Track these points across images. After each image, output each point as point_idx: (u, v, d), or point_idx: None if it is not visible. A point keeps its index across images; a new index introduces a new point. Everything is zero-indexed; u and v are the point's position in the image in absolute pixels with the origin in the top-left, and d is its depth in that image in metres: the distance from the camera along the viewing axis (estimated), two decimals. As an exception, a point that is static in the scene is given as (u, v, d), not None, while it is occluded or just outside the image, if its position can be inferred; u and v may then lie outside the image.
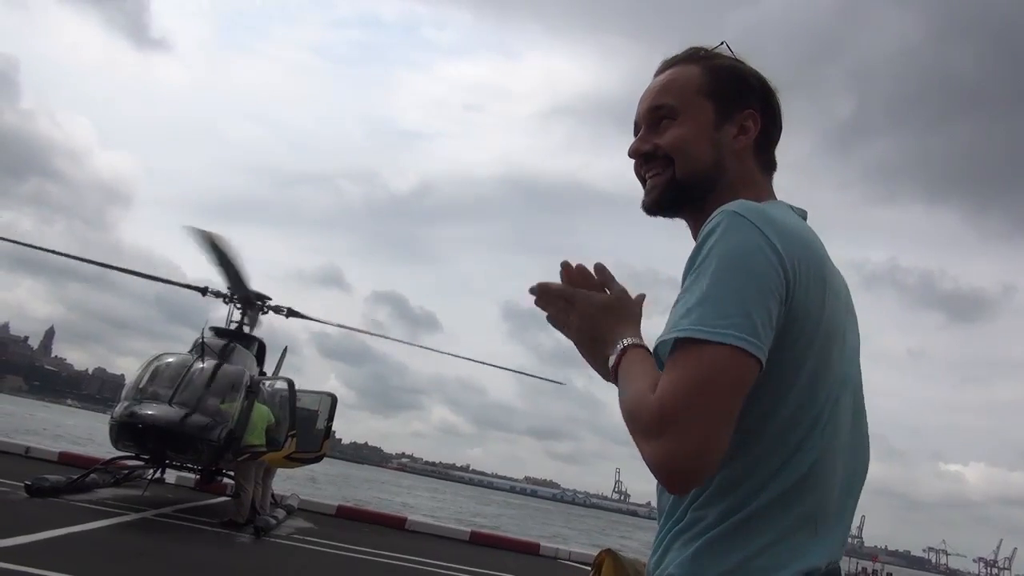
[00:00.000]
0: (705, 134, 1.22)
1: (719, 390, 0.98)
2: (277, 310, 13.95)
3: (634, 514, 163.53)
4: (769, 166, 1.28)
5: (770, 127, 1.27)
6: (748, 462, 1.08)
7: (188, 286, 13.76)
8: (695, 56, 1.27)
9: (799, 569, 1.06)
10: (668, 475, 0.99)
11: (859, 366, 1.21)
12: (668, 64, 1.30)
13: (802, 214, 1.23)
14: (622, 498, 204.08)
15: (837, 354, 1.12)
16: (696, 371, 0.98)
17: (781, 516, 1.07)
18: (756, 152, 1.25)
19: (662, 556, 1.12)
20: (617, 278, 1.28)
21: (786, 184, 1.35)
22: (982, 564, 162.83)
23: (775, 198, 1.26)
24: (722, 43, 1.28)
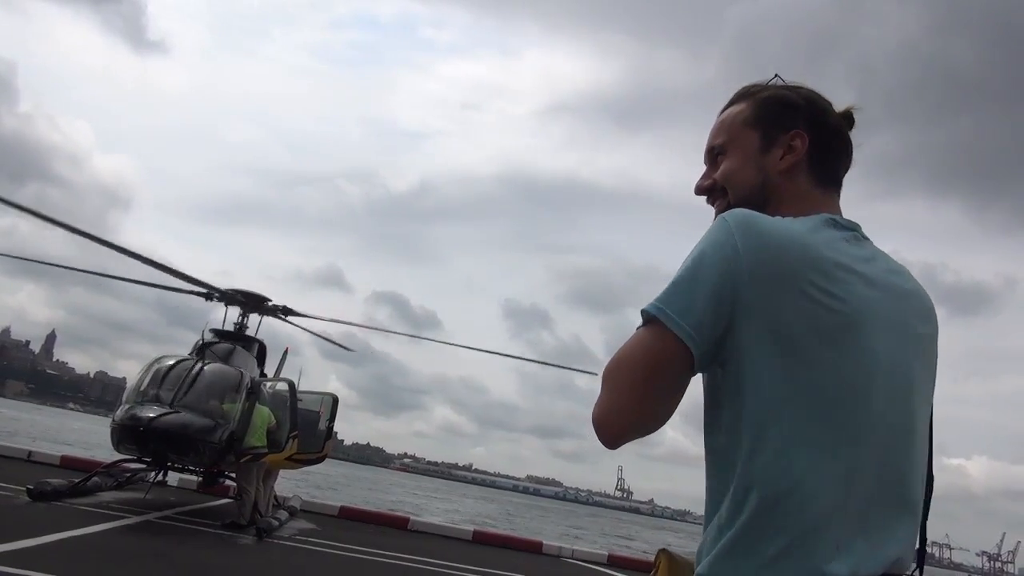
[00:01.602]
0: (751, 161, 1.34)
1: (635, 360, 1.15)
2: (276, 311, 13.93)
3: (636, 511, 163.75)
4: (826, 179, 1.34)
5: (825, 142, 1.34)
6: (732, 466, 1.14)
7: (190, 290, 13.73)
8: (746, 94, 1.40)
9: None
10: (594, 429, 1.17)
11: (897, 379, 1.19)
12: (724, 107, 1.43)
13: (848, 226, 1.27)
14: (625, 495, 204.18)
15: (822, 357, 1.12)
16: (626, 344, 1.18)
17: (779, 523, 1.09)
18: (809, 167, 1.33)
19: (699, 554, 1.18)
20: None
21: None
22: (985, 558, 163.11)
23: (832, 209, 1.31)
24: (775, 76, 1.39)
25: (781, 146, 1.33)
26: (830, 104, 1.37)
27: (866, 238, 1.29)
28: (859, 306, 1.16)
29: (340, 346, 17.94)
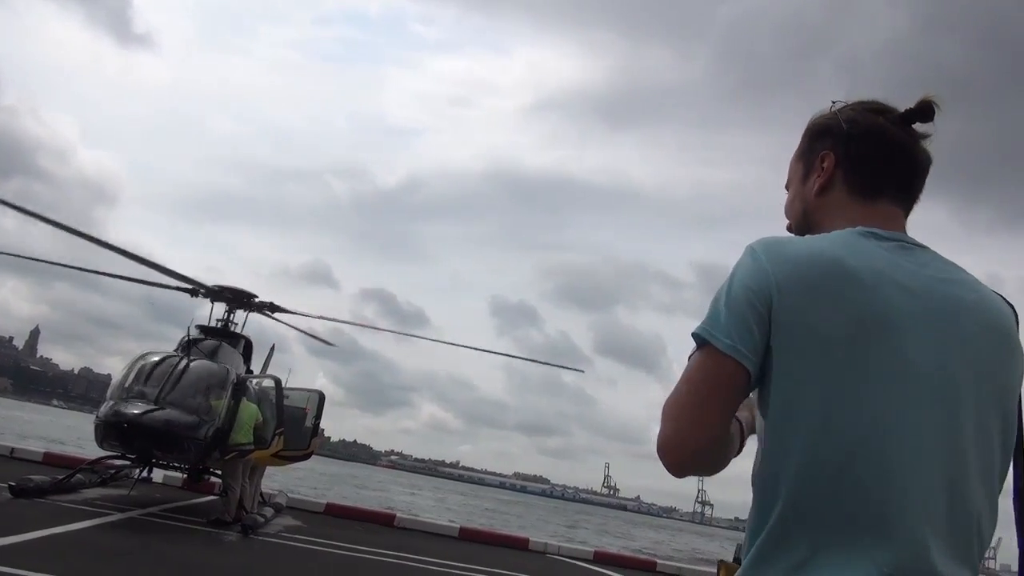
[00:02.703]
0: (797, 193, 1.43)
1: (691, 384, 1.18)
2: (263, 307, 13.86)
3: (623, 508, 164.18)
4: (867, 188, 1.33)
5: (855, 152, 1.34)
6: (759, 476, 1.18)
7: (176, 286, 13.63)
8: (805, 132, 1.45)
9: None
10: (659, 457, 1.18)
11: (935, 386, 1.15)
12: None
13: (890, 236, 1.25)
14: (611, 492, 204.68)
15: (849, 365, 1.12)
16: (684, 374, 1.20)
17: (802, 532, 1.11)
18: (844, 182, 1.35)
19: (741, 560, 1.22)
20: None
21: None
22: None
23: (876, 219, 1.29)
24: (832, 103, 1.42)
25: (816, 170, 1.38)
26: (875, 111, 1.35)
27: (918, 246, 1.26)
28: (891, 313, 1.15)
29: (324, 342, 17.90)
